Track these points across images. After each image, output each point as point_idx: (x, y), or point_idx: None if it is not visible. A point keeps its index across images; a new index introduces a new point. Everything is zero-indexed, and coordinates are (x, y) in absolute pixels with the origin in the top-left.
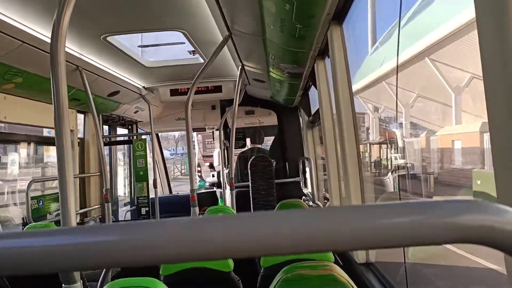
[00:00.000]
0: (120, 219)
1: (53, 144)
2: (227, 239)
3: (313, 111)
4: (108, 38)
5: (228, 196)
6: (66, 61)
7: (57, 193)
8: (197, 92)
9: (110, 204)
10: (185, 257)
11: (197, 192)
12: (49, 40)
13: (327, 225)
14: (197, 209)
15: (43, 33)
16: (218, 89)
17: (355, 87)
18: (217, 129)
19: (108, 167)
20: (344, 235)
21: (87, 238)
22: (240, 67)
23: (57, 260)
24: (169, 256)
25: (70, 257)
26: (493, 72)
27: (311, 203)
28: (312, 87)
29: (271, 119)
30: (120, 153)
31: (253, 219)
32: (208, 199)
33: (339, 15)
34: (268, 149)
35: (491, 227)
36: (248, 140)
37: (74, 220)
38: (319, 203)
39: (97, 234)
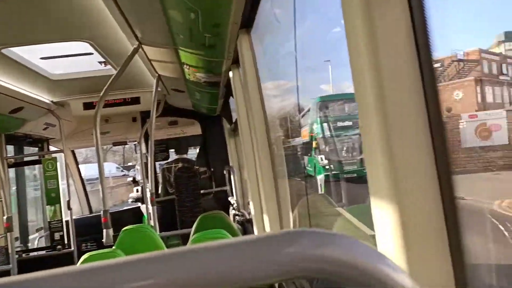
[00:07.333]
0: (31, 247)
1: None
2: None
3: (234, 119)
4: (3, 51)
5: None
6: None
7: None
8: (113, 105)
9: (12, 233)
10: None
11: (120, 209)
12: None
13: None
14: (111, 230)
15: None
16: (136, 100)
17: None
18: (138, 142)
19: (10, 192)
20: None
21: None
22: (156, 77)
23: None
24: None
25: None
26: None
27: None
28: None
29: (195, 129)
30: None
31: None
32: (132, 217)
33: (247, 24)
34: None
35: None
36: (172, 151)
37: None
38: (244, 211)
39: None
